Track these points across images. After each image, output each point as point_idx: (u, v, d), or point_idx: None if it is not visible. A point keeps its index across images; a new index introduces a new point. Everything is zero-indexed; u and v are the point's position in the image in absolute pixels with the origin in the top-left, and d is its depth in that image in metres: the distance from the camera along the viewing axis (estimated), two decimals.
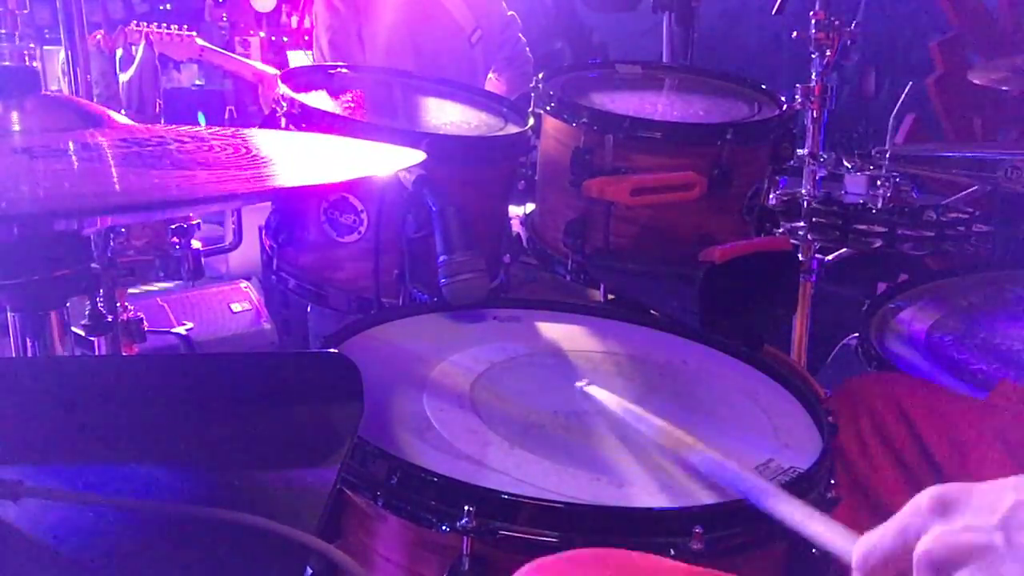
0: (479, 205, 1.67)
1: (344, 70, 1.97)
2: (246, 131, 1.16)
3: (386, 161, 1.14)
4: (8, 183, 0.87)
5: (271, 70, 3.93)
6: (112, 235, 1.64)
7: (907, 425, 1.33)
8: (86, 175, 0.92)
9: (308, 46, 5.09)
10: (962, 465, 1.27)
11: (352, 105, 1.84)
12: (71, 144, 0.99)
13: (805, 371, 1.99)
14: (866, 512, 1.28)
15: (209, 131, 1.11)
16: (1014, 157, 2.09)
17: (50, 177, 0.90)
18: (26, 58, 2.16)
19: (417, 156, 1.13)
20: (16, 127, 1.04)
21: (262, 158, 1.04)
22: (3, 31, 2.11)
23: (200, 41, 3.80)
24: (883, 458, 1.29)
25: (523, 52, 3.24)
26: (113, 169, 0.94)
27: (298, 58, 5.15)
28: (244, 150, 1.04)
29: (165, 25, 3.69)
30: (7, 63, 2.13)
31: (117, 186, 0.89)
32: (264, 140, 1.14)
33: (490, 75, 3.18)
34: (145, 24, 3.64)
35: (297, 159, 1.11)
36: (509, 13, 3.18)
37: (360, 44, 2.87)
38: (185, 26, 3.78)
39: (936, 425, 1.30)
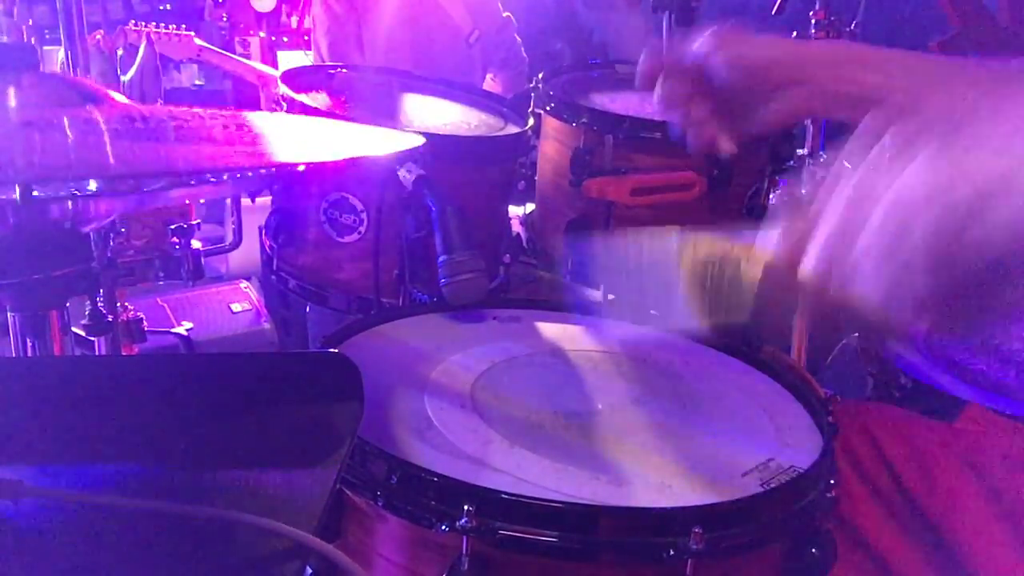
0: (479, 205, 1.67)
1: (344, 70, 1.97)
2: (247, 113, 1.15)
3: (386, 145, 1.13)
4: (4, 154, 0.87)
5: (270, 70, 3.94)
6: (112, 235, 1.64)
7: (877, 452, 1.34)
8: (82, 147, 0.91)
9: (308, 46, 5.10)
10: (931, 490, 1.28)
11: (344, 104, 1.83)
12: (66, 119, 0.99)
13: (805, 371, 1.99)
14: (842, 541, 1.29)
15: (209, 112, 1.10)
16: None
17: (46, 148, 0.90)
18: (24, 33, 2.16)
19: (416, 140, 1.13)
20: (12, 103, 1.03)
21: (263, 137, 1.03)
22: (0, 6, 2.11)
23: (199, 41, 3.80)
24: (855, 485, 1.30)
25: (519, 54, 3.25)
26: (108, 141, 0.93)
27: (287, 58, 5.15)
28: (245, 129, 1.04)
29: (163, 25, 3.69)
30: (4, 39, 2.13)
31: (111, 159, 0.89)
32: (265, 122, 1.13)
33: (487, 76, 3.19)
34: (143, 24, 3.64)
35: (297, 140, 1.11)
36: (505, 14, 3.19)
37: (359, 47, 2.88)
38: (183, 26, 3.78)
39: (905, 451, 1.32)
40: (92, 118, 1.00)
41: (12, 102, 1.02)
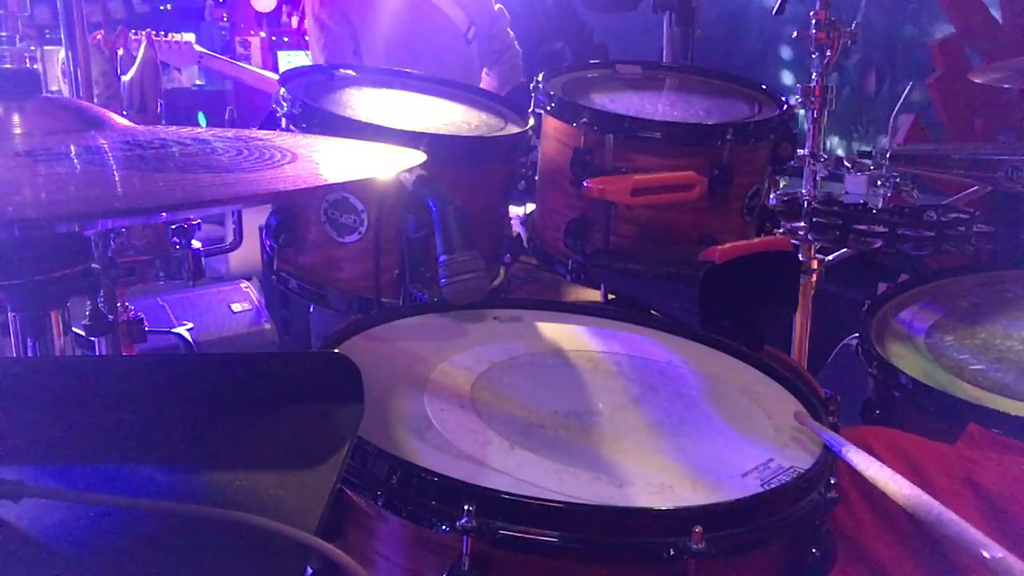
0: (479, 205, 1.67)
1: (344, 70, 1.97)
2: (248, 132, 1.16)
3: (387, 162, 1.14)
4: (11, 187, 0.87)
5: (270, 75, 3.94)
6: (113, 235, 1.64)
7: None
8: (89, 178, 0.92)
9: (308, 46, 5.11)
10: None
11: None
12: (73, 147, 0.99)
13: (805, 371, 1.99)
14: (850, 561, 1.29)
15: (211, 133, 1.11)
16: (1014, 157, 2.09)
17: (52, 181, 0.90)
18: (27, 60, 2.17)
19: (417, 157, 1.14)
20: (17, 130, 1.04)
21: (266, 160, 1.03)
22: (4, 34, 2.12)
23: (199, 48, 3.81)
24: (858, 501, 1.30)
25: (512, 45, 3.24)
26: (115, 173, 0.94)
27: (287, 58, 5.16)
28: (247, 152, 1.04)
29: (163, 33, 3.70)
30: (8, 65, 2.14)
31: (119, 189, 0.89)
32: (267, 142, 1.13)
33: (483, 72, 3.19)
34: (143, 35, 3.66)
35: (300, 159, 1.11)
36: (497, 6, 3.18)
37: (357, 60, 2.87)
38: (182, 34, 3.79)
39: (907, 469, 1.32)
40: (97, 146, 1.00)
41: (17, 129, 1.02)
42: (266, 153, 1.05)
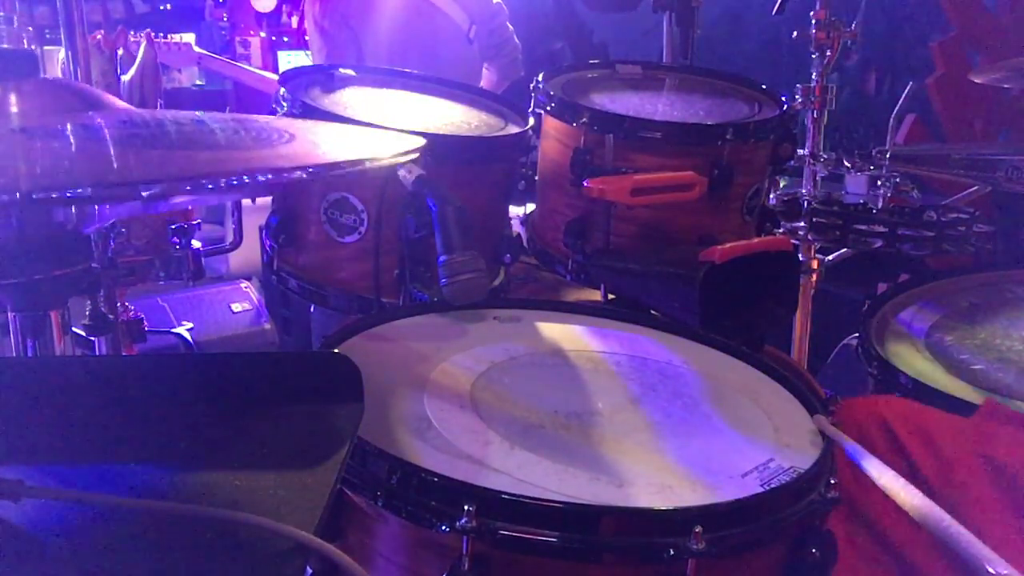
0: (479, 205, 1.67)
1: (344, 70, 1.97)
2: (248, 117, 1.15)
3: (387, 147, 1.13)
4: (5, 162, 0.87)
5: (270, 75, 3.94)
6: (112, 235, 1.64)
7: (894, 443, 1.34)
8: (84, 154, 0.91)
9: (308, 46, 5.12)
10: (948, 482, 1.28)
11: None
12: (69, 125, 0.99)
13: (805, 371, 1.99)
14: (863, 532, 1.28)
15: (208, 116, 1.10)
16: (1014, 157, 2.09)
17: (48, 156, 0.90)
18: (24, 41, 2.16)
19: (416, 141, 1.13)
20: (14, 109, 1.03)
21: (265, 142, 1.03)
22: (1, 14, 2.11)
23: (198, 49, 3.82)
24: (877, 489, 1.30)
25: (512, 38, 3.24)
26: (111, 148, 0.93)
27: (287, 58, 5.16)
28: (243, 132, 1.03)
29: (162, 35, 3.71)
30: (5, 46, 2.13)
31: (115, 163, 0.88)
32: (267, 126, 1.13)
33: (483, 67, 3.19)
34: (143, 35, 3.68)
35: (300, 144, 1.11)
36: (495, 0, 3.18)
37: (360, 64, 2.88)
38: (182, 35, 3.79)
39: (922, 442, 1.32)
40: (95, 124, 1.00)
41: (14, 108, 1.02)
42: (264, 133, 1.04)
